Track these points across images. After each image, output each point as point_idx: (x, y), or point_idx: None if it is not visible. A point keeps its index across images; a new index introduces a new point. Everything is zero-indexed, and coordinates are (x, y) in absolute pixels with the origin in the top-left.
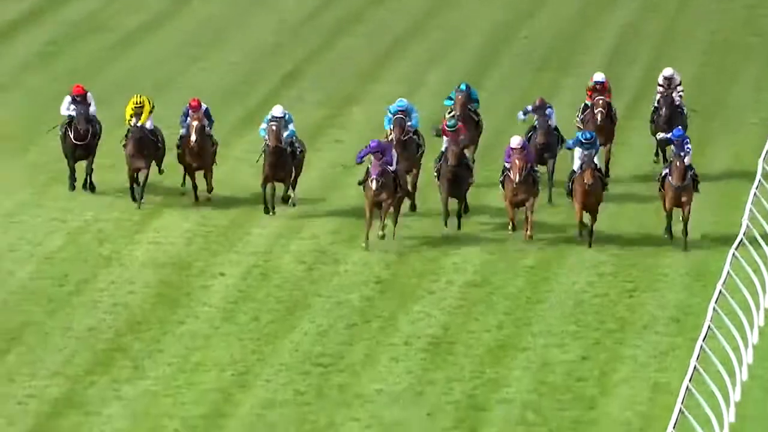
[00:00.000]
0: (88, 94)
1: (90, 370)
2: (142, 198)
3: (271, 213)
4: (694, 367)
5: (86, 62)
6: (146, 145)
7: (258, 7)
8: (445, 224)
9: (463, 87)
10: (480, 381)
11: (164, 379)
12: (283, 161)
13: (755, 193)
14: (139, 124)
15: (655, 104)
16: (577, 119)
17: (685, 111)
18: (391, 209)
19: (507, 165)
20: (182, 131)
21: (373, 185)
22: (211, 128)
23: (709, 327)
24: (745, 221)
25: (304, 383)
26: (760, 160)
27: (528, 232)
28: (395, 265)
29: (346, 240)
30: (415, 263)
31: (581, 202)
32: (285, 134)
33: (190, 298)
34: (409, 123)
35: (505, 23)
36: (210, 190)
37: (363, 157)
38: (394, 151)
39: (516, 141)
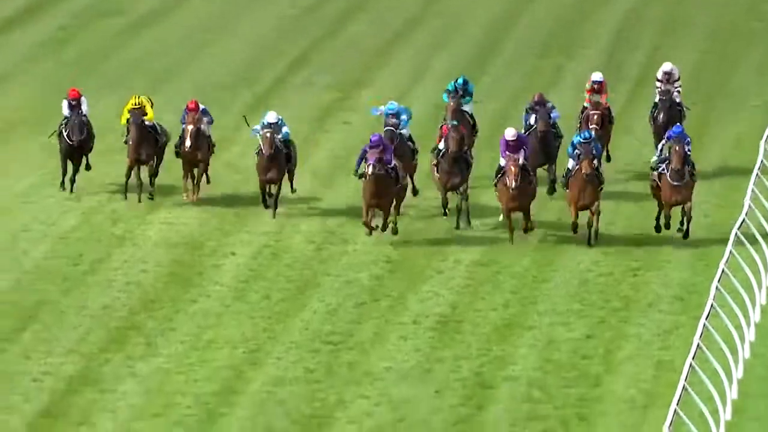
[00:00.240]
0: (83, 98)
1: (104, 347)
2: (151, 196)
3: (273, 215)
4: (698, 345)
5: (96, 48)
6: (146, 139)
7: None
8: (445, 213)
9: (460, 81)
10: (487, 359)
11: (177, 357)
12: (278, 165)
13: (757, 174)
14: (147, 123)
15: (655, 101)
16: (576, 128)
17: (684, 108)
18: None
19: (502, 164)
20: (181, 134)
21: (370, 170)
22: (209, 127)
23: (711, 306)
24: (747, 202)
25: (314, 361)
26: (762, 142)
27: (528, 229)
28: (404, 245)
29: (356, 220)
30: (423, 243)
31: (577, 195)
32: (279, 136)
33: (202, 277)
34: (401, 130)
35: (507, 9)
36: (202, 180)
37: (361, 158)
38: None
39: (510, 133)
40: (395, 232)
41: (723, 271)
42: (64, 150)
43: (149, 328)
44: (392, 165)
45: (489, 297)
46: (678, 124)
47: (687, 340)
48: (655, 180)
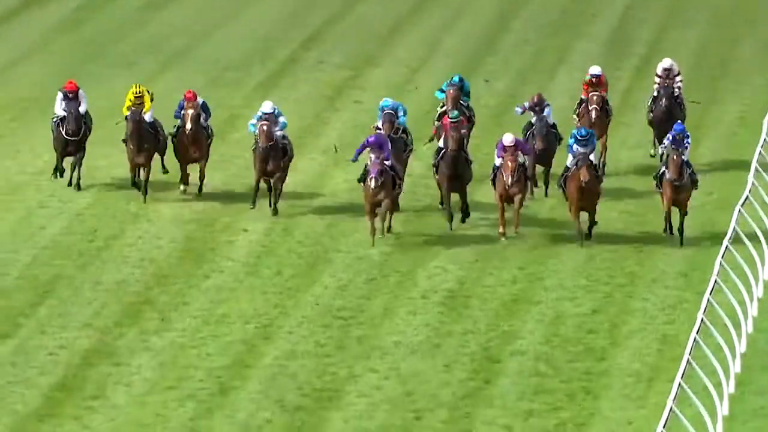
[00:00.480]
0: (80, 91)
1: (119, 322)
2: (145, 193)
3: (274, 214)
4: (701, 320)
5: (111, 28)
6: (146, 139)
7: None
8: (448, 211)
9: (456, 80)
10: (494, 333)
11: (190, 331)
12: (275, 158)
13: (760, 152)
14: (145, 115)
15: (654, 94)
16: (574, 117)
17: (684, 103)
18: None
19: (497, 163)
20: (178, 123)
21: (372, 184)
22: (207, 121)
23: (715, 281)
24: (750, 179)
25: (325, 335)
26: (765, 120)
27: (515, 228)
28: (413, 221)
29: None
30: (432, 220)
31: (577, 200)
32: (276, 129)
33: (215, 253)
34: (397, 121)
35: None
36: (202, 178)
37: (360, 152)
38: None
39: (508, 139)
40: (389, 229)
41: (726, 247)
42: (60, 145)
43: (163, 303)
44: (391, 165)
45: (497, 273)
46: (678, 120)
47: (691, 315)
48: (657, 181)
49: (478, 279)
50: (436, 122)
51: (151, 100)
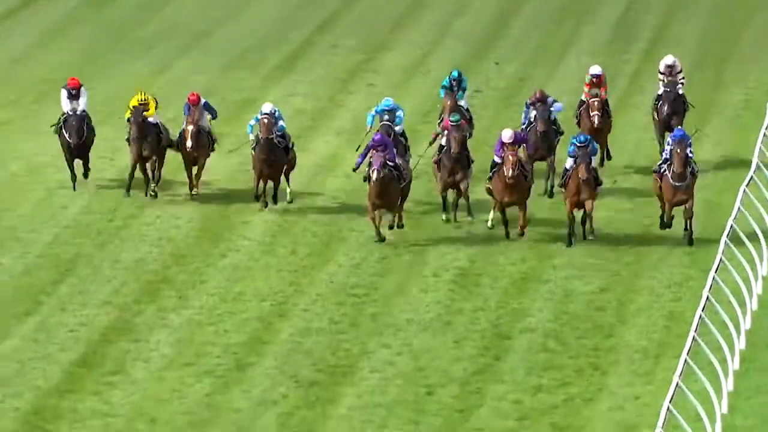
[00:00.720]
0: (82, 88)
1: (137, 299)
2: (155, 195)
3: (264, 208)
4: (707, 298)
5: (130, 12)
6: (149, 135)
7: None
8: (444, 210)
9: (455, 74)
10: (504, 311)
11: (207, 309)
12: (276, 155)
13: (764, 133)
14: (149, 119)
15: (658, 93)
16: (575, 117)
17: (687, 101)
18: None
19: (497, 160)
20: (183, 125)
21: (374, 176)
22: (213, 118)
23: (720, 259)
24: (755, 159)
25: (339, 312)
26: None
27: (520, 229)
28: (425, 202)
29: None
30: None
31: (573, 195)
32: (276, 127)
33: (232, 233)
34: (396, 127)
35: None
36: (197, 179)
37: (364, 157)
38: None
39: (507, 135)
40: (401, 226)
41: (732, 226)
42: (66, 147)
43: (180, 281)
44: (395, 164)
45: (506, 252)
46: (679, 127)
47: (697, 293)
48: (657, 180)
49: (488, 258)
50: (438, 126)
51: (156, 107)
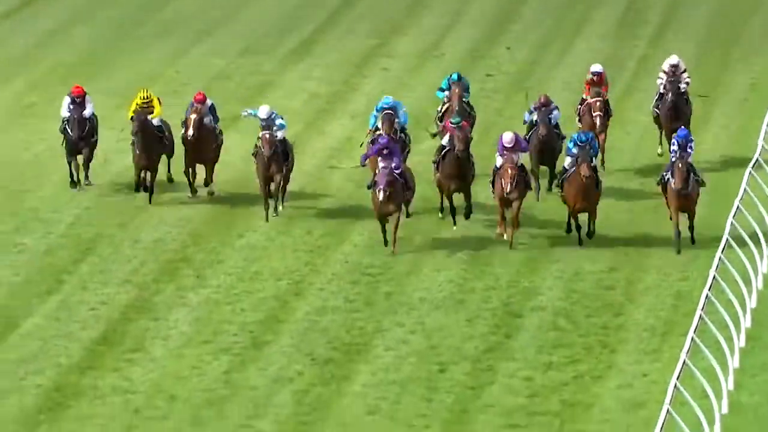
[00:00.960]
0: (87, 96)
1: (156, 278)
2: (152, 194)
3: (272, 215)
4: (714, 277)
5: (138, 5)
6: (151, 141)
7: None
8: (442, 210)
9: (455, 77)
10: (515, 290)
11: (225, 288)
12: (278, 164)
13: None
14: (152, 119)
15: (660, 91)
16: (576, 115)
17: (690, 99)
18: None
19: (498, 164)
20: (186, 114)
21: (380, 196)
22: (215, 123)
23: (727, 239)
24: (760, 142)
25: (354, 291)
26: None
27: (511, 236)
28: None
29: None
30: None
31: (575, 195)
32: (275, 129)
33: (249, 213)
34: (397, 120)
35: None
36: (208, 183)
37: (370, 156)
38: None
39: (508, 138)
40: (408, 216)
41: (738, 207)
42: (69, 148)
43: (199, 261)
44: (400, 171)
45: (517, 232)
46: (684, 116)
47: (703, 272)
48: (662, 186)
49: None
50: (438, 122)
51: (160, 104)
